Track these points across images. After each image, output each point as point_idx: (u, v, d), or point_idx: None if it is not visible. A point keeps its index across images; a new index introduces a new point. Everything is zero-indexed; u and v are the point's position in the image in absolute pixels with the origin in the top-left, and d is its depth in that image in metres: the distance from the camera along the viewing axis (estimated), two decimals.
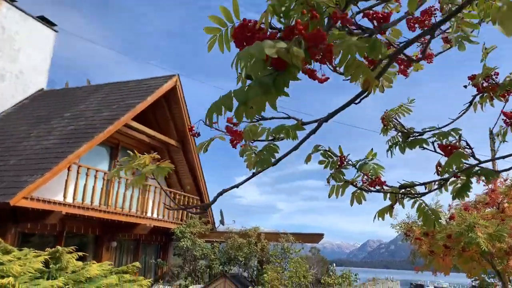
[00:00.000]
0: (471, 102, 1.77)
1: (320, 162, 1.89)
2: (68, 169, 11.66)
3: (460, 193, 1.52)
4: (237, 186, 1.53)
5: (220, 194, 1.50)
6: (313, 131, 1.32)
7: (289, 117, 1.39)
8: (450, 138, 1.58)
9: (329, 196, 1.87)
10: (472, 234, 6.08)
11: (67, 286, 6.21)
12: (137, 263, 8.33)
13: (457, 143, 1.52)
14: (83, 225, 13.40)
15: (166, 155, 17.39)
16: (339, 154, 1.85)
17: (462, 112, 1.77)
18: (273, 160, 1.39)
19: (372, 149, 1.85)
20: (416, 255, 7.44)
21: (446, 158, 1.54)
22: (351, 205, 1.89)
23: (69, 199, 11.76)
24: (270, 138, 1.48)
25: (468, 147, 1.49)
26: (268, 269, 10.71)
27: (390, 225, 7.33)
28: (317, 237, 16.57)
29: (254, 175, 1.47)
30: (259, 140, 1.51)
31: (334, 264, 25.77)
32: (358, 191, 1.85)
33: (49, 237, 12.74)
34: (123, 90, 15.71)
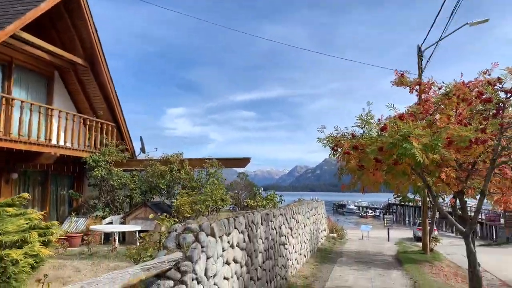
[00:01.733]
0: None
1: None
2: None
3: None
4: None
5: None
6: None
7: None
8: None
9: None
10: (407, 144, 5.45)
11: None
12: (25, 194, 6.95)
13: None
14: None
15: (73, 76, 15.33)
16: None
17: None
18: None
19: None
20: (344, 172, 6.80)
21: None
22: None
23: None
24: None
25: None
26: (182, 194, 9.78)
27: (316, 140, 6.54)
28: (243, 161, 15.91)
29: None
30: None
31: (262, 188, 25.86)
32: None
33: None
34: None
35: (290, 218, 10.65)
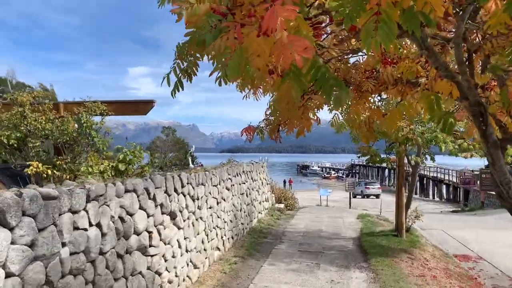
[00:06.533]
0: None
1: None
2: None
3: None
4: None
5: None
6: None
7: None
8: None
9: None
10: None
11: None
12: None
13: None
14: None
15: None
16: None
17: None
18: None
19: None
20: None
21: None
22: None
23: None
24: None
25: None
26: None
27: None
28: (144, 105, 10.89)
29: None
30: None
31: (194, 147, 21.09)
32: None
33: None
34: None
35: (170, 195, 5.85)
